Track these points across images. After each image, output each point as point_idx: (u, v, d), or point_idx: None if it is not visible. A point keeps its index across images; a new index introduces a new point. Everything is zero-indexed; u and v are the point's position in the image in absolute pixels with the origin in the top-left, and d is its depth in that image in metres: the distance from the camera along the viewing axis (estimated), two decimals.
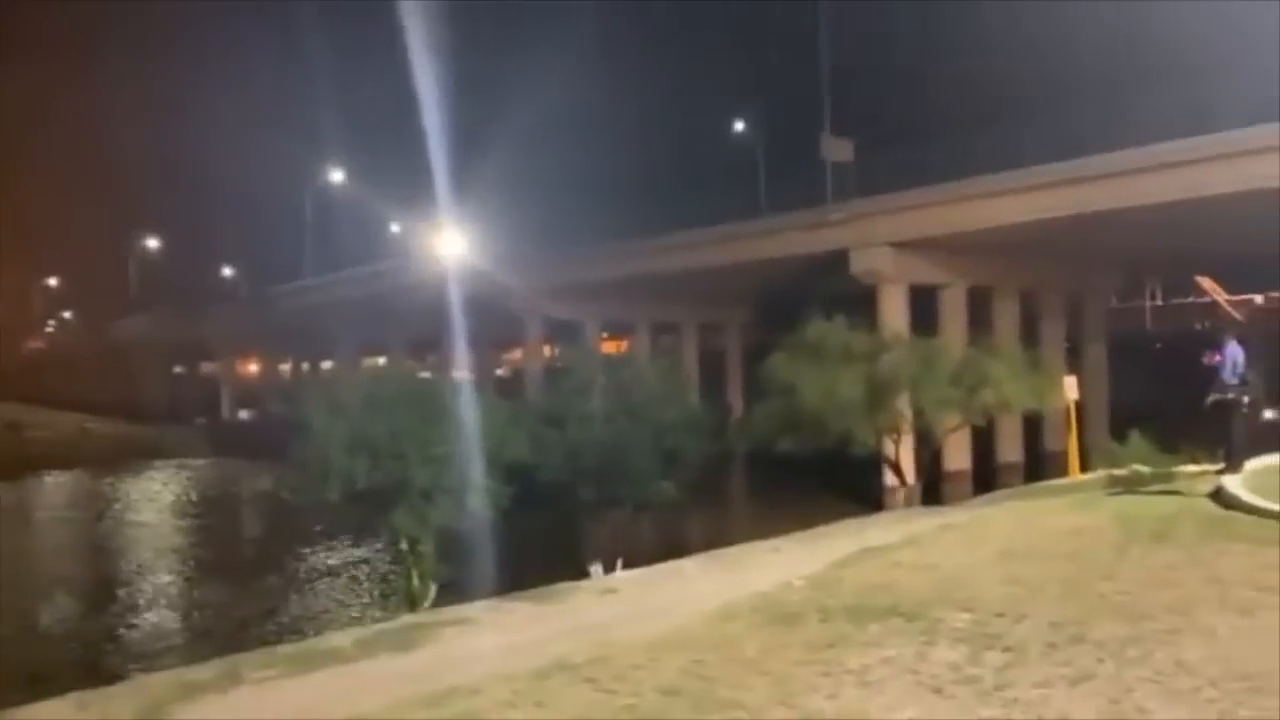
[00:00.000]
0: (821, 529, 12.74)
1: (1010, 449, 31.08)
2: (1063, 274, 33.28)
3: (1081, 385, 20.98)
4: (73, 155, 73.08)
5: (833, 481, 21.74)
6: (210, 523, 28.78)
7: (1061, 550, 8.50)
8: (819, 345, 18.12)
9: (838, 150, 30.26)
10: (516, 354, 54.94)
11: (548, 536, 15.61)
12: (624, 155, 46.10)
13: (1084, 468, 17.39)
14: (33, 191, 63.89)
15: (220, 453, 46.42)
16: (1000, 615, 6.35)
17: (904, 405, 18.49)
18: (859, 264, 29.54)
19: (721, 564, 10.48)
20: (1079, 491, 13.15)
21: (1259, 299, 47.21)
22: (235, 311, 61.45)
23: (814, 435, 17.38)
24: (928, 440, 20.23)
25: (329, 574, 19.55)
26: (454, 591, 12.10)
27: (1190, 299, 50.30)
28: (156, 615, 17.46)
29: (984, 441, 28.73)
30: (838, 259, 29.62)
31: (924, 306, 30.03)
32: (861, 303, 27.24)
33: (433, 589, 12.67)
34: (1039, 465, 28.33)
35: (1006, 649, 5.64)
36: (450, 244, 37.38)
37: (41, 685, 8.60)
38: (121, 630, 16.35)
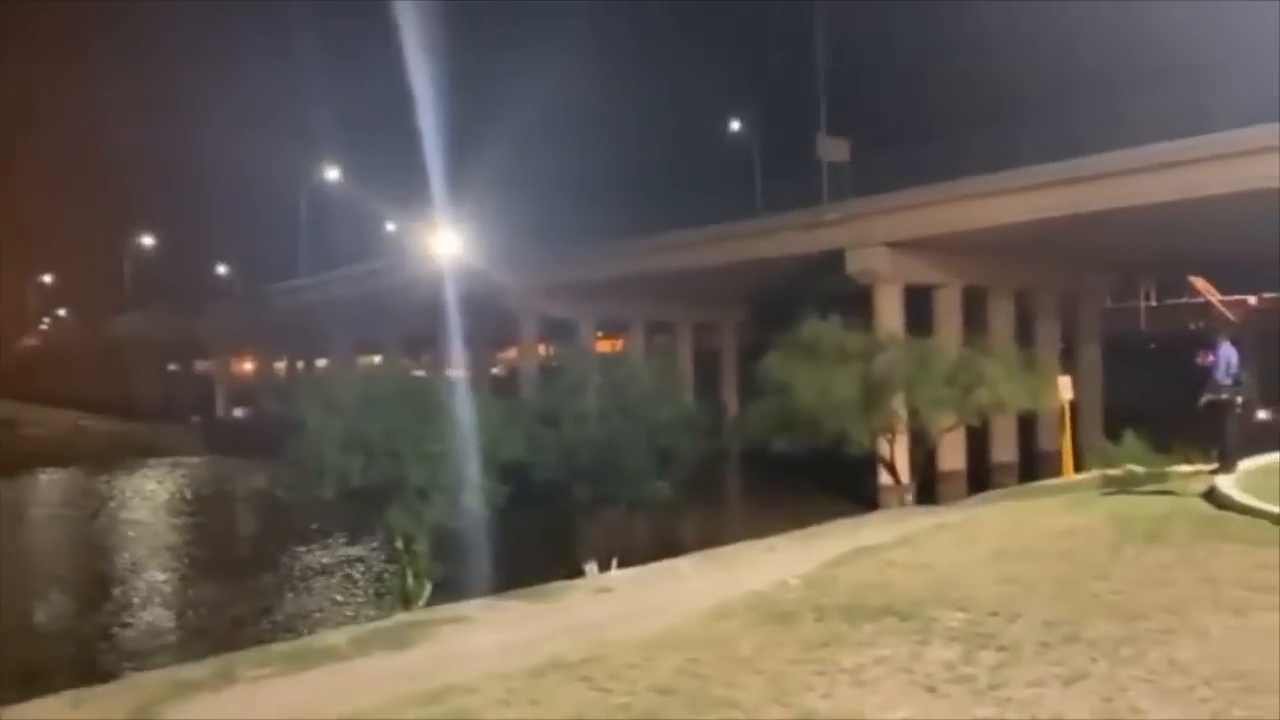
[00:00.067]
0: (816, 528, 12.77)
1: (1005, 449, 31.14)
2: (1058, 274, 33.35)
3: (1076, 385, 21.03)
4: (68, 152, 72.93)
5: (827, 481, 21.75)
6: (205, 521, 28.72)
7: (1055, 550, 8.52)
8: (814, 345, 18.12)
9: (833, 150, 30.31)
10: (512, 353, 54.94)
11: (543, 535, 15.61)
12: (620, 154, 46.14)
13: (1078, 468, 17.44)
14: (27, 188, 63.72)
15: (215, 451, 46.32)
16: (994, 614, 6.37)
17: (899, 405, 18.50)
18: (854, 264, 29.56)
19: (716, 563, 10.50)
20: (1073, 491, 13.19)
21: (1253, 299, 47.36)
22: (230, 309, 61.33)
23: (809, 435, 17.39)
24: (922, 440, 20.26)
25: (324, 572, 19.52)
26: (449, 590, 12.09)
27: (1184, 299, 50.44)
28: (151, 613, 17.43)
29: (978, 441, 28.80)
30: (833, 259, 29.65)
31: (919, 306, 30.08)
32: (857, 302, 27.28)
33: (428, 587, 12.65)
34: (1033, 465, 28.38)
35: (1000, 648, 5.65)
36: (445, 243, 37.34)
37: (36, 683, 8.59)
38: (115, 628, 16.32)
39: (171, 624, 16.69)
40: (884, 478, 20.82)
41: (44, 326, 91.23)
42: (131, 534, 27.10)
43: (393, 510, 12.30)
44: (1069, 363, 31.75)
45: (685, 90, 48.07)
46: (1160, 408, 17.07)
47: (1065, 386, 19.37)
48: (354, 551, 20.30)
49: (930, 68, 37.95)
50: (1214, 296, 48.37)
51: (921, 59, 38.61)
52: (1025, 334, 31.71)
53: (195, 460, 44.43)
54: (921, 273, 29.92)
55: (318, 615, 16.26)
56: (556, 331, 42.44)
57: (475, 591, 10.75)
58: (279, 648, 8.11)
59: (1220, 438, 12.19)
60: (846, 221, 29.41)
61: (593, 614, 8.01)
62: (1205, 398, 12.14)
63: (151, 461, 43.74)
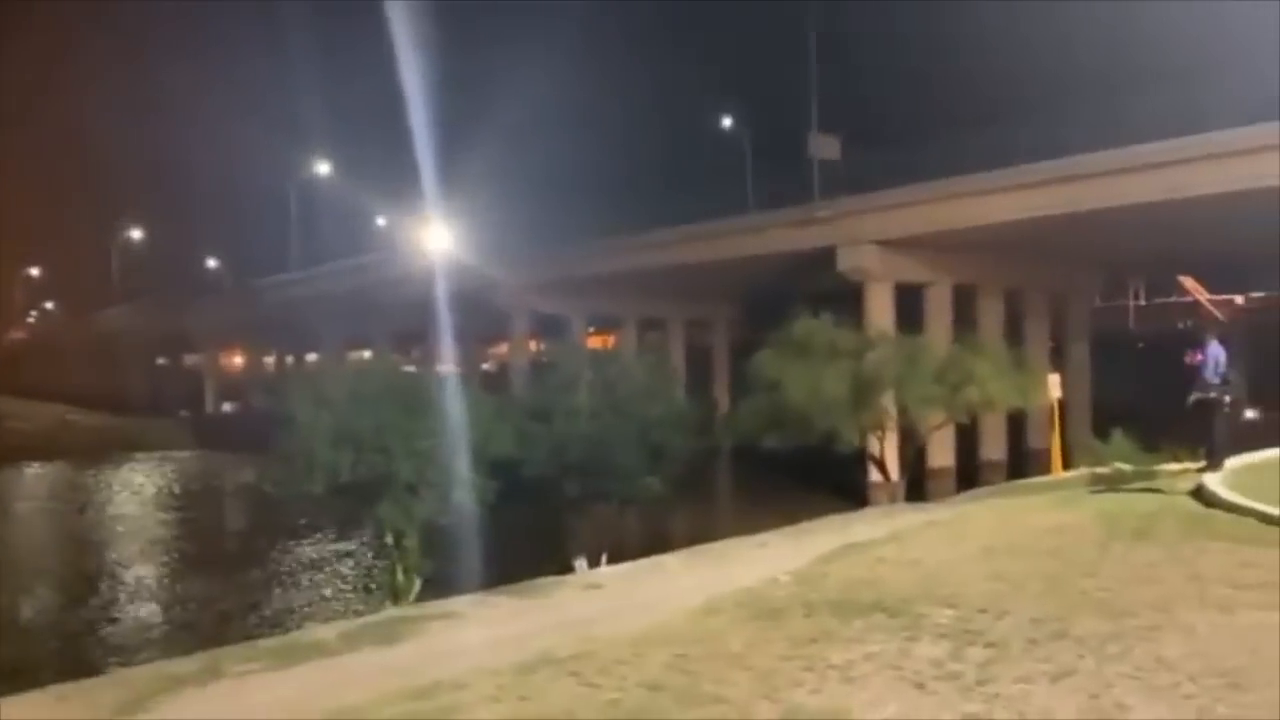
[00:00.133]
0: (806, 525, 12.78)
1: (994, 446, 31.26)
2: (1047, 273, 33.47)
3: (1065, 384, 21.15)
4: (55, 144, 72.54)
5: (817, 478, 21.80)
6: (193, 515, 28.60)
7: (1043, 547, 8.55)
8: (805, 342, 18.17)
9: (824, 147, 30.36)
10: (502, 348, 54.84)
11: (532, 531, 15.59)
12: (611, 150, 46.10)
13: (1067, 465, 17.54)
14: (15, 181, 63.25)
15: (203, 445, 46.15)
16: (983, 611, 6.38)
17: (889, 402, 18.57)
18: (846, 261, 29.61)
19: (706, 559, 10.50)
20: (1061, 489, 13.25)
21: (1239, 299, 47.62)
22: (219, 303, 61.06)
23: (799, 432, 17.45)
24: (912, 437, 20.32)
25: (312, 567, 19.48)
26: (438, 585, 12.07)
27: (1173, 299, 50.67)
28: (137, 608, 17.36)
29: (968, 439, 28.89)
30: (824, 256, 29.69)
31: (910, 304, 30.15)
32: (848, 300, 27.34)
33: (417, 583, 12.64)
34: (1022, 463, 28.52)
35: (989, 645, 5.67)
36: (436, 238, 37.25)
37: (20, 678, 8.53)
38: (102, 623, 16.25)
39: (159, 619, 16.62)
40: (874, 475, 20.90)
41: (31, 320, 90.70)
42: (119, 528, 26.99)
43: (382, 506, 12.28)
44: (1058, 361, 31.87)
45: (677, 87, 48.05)
46: (1149, 406, 17.19)
47: (1054, 385, 19.47)
48: (343, 547, 20.24)
49: (923, 66, 38.02)
50: (1202, 296, 48.61)
51: (914, 58, 38.68)
52: (1015, 332, 31.82)
53: (183, 455, 44.24)
54: (912, 271, 29.99)
55: (306, 610, 16.23)
56: (548, 327, 42.40)
57: (465, 587, 10.72)
58: (267, 643, 8.07)
59: (1208, 436, 12.26)
60: (837, 219, 29.44)
61: (582, 610, 8.00)
62: (1193, 396, 12.20)
63: (139, 456, 43.54)
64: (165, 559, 22.02)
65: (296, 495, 13.04)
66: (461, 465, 12.61)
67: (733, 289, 41.25)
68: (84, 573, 20.21)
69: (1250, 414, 19.64)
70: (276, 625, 14.46)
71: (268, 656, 7.07)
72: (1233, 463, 12.11)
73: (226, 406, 65.38)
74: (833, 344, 18.27)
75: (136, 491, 34.19)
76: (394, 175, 37.08)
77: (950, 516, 11.65)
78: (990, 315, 32.43)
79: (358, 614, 12.48)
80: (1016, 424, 30.25)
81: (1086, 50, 31.04)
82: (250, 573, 19.20)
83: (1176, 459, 13.08)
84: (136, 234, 68.42)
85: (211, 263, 68.15)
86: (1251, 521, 8.87)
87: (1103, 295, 44.80)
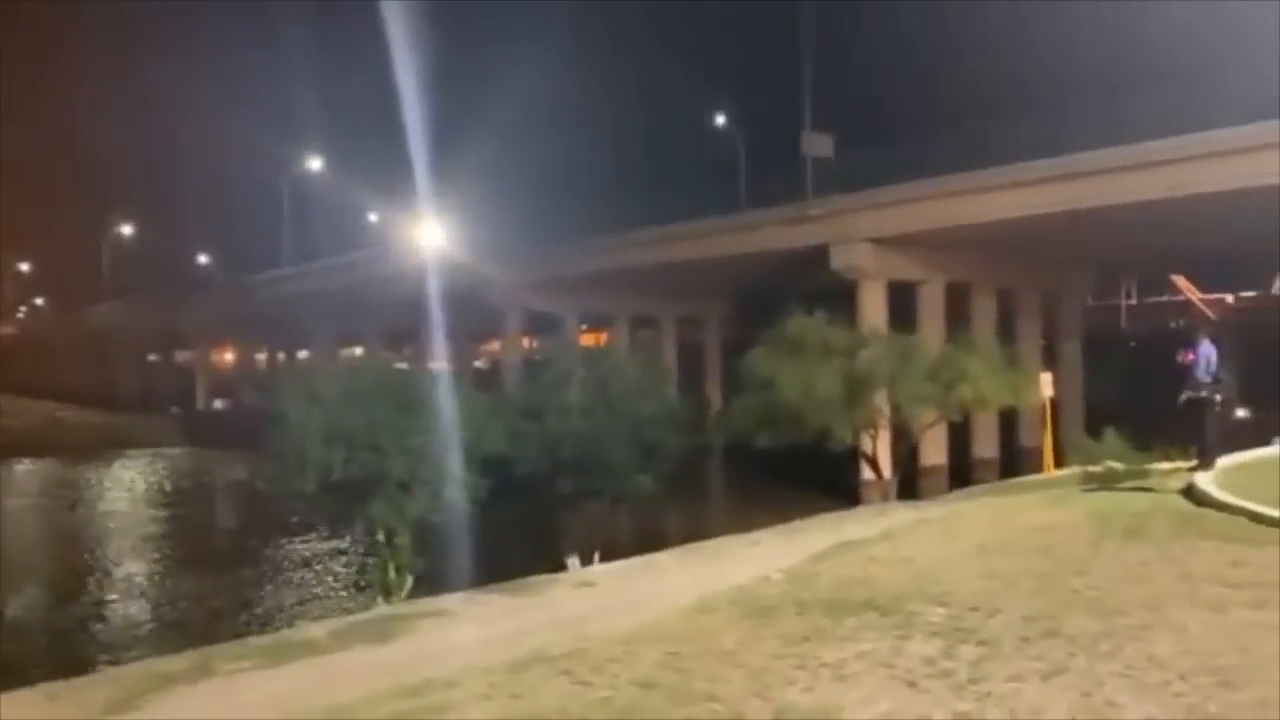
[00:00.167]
0: (798, 523, 12.79)
1: (986, 445, 31.33)
2: (1040, 272, 33.55)
3: (1057, 382, 21.19)
4: (46, 139, 72.01)
5: (810, 476, 21.80)
6: (184, 513, 28.53)
7: (1035, 545, 8.57)
8: (798, 340, 18.16)
9: (818, 145, 30.36)
10: (495, 346, 54.78)
11: (525, 529, 15.58)
12: (605, 148, 46.08)
13: (1059, 464, 17.56)
14: (5, 176, 62.90)
15: (194, 443, 46.04)
16: (974, 609, 6.39)
17: (881, 401, 18.57)
18: (839, 259, 29.64)
19: (699, 557, 10.50)
20: (1054, 487, 13.27)
21: (1230, 298, 47.82)
22: (211, 300, 60.81)
23: (792, 430, 17.43)
24: (905, 435, 20.34)
25: (304, 565, 19.44)
26: (430, 583, 12.06)
27: (1165, 298, 50.87)
28: (128, 606, 17.30)
29: (960, 437, 28.96)
30: (818, 254, 29.71)
31: (903, 303, 30.20)
32: (841, 298, 27.37)
33: (409, 581, 12.62)
34: (1014, 461, 28.56)
35: (980, 643, 5.67)
36: (429, 235, 37.17)
37: (10, 676, 8.49)
38: (93, 621, 16.19)
39: (149, 616, 16.58)
40: (866, 473, 20.90)
41: (20, 315, 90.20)
42: (110, 526, 26.90)
43: (374, 503, 12.26)
44: (1050, 360, 31.98)
45: (670, 85, 47.98)
46: (1140, 405, 17.22)
47: (1046, 383, 19.52)
48: (335, 544, 20.21)
49: (920, 65, 38.07)
50: (1194, 295, 48.80)
51: (910, 56, 38.71)
52: (1007, 331, 31.90)
53: (175, 452, 44.13)
54: (905, 269, 30.03)
55: (298, 608, 16.20)
56: (540, 325, 42.36)
57: (456, 585, 10.71)
58: (258, 640, 8.05)
59: (1199, 435, 12.30)
60: (830, 217, 29.46)
61: (574, 608, 7.99)
62: (1185, 395, 12.25)
63: (130, 453, 43.42)
64: (156, 556, 21.95)
65: (288, 493, 13.01)
66: (453, 463, 12.59)
67: (725, 287, 41.26)
68: (75, 570, 20.14)
69: (1241, 413, 19.76)
70: (268, 623, 14.43)
71: (259, 654, 7.04)
72: (1224, 462, 12.15)
73: (218, 403, 65.21)
74: (826, 342, 18.27)
75: (127, 489, 34.09)
76: (386, 171, 37.01)
77: (943, 515, 11.67)
78: (983, 313, 32.51)
79: (349, 612, 12.44)
80: (1009, 422, 30.30)
81: (1081, 48, 31.14)
82: (241, 570, 19.16)
83: (1168, 458, 13.11)
84: (127, 230, 68.13)
85: (203, 259, 67.92)
86: (1242, 520, 8.90)
87: (1095, 294, 44.94)
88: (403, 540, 12.64)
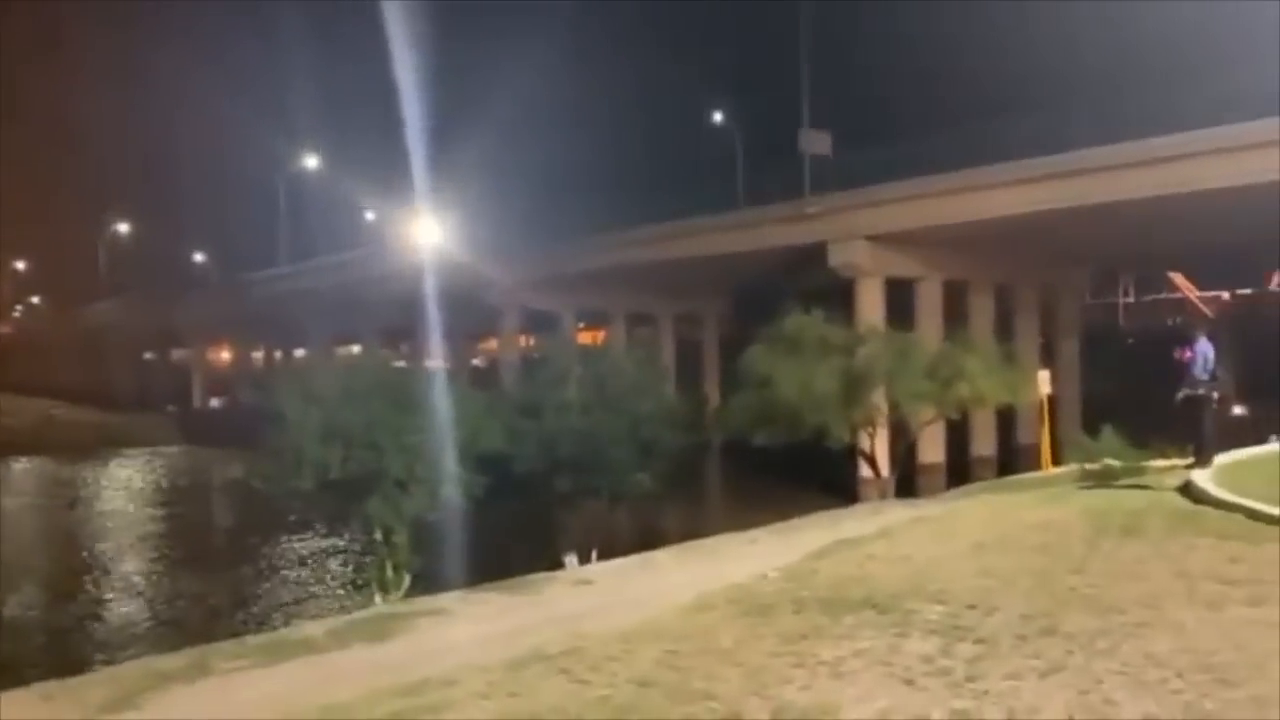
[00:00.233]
0: (796, 521, 12.79)
1: (984, 442, 31.37)
2: (1038, 270, 33.58)
3: (1055, 380, 21.19)
4: (43, 138, 71.82)
5: (808, 474, 21.81)
6: (181, 511, 28.50)
7: (1033, 543, 8.57)
8: (796, 338, 18.16)
9: (816, 143, 30.36)
10: (492, 344, 54.75)
11: (523, 527, 15.57)
12: (603, 146, 46.03)
13: (1056, 461, 17.56)
14: (1, 174, 62.75)
15: (191, 441, 45.98)
16: (972, 607, 6.39)
17: (879, 398, 18.58)
18: (836, 257, 29.65)
19: (697, 555, 10.50)
20: (1051, 485, 13.28)
21: (1227, 295, 47.92)
22: (207, 298, 60.73)
23: (790, 427, 17.43)
24: (902, 433, 20.35)
25: (301, 563, 19.43)
26: (427, 581, 12.05)
27: (1162, 295, 50.96)
28: (125, 605, 17.28)
29: (958, 435, 28.99)
30: (816, 252, 29.71)
31: (901, 300, 30.21)
32: (839, 296, 27.37)
33: (406, 579, 12.61)
34: (1012, 459, 28.60)
35: (978, 641, 5.67)
36: (426, 233, 37.12)
37: (6, 675, 8.47)
38: (89, 620, 16.17)
39: (146, 615, 16.56)
40: (864, 471, 20.91)
41: (16, 314, 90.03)
42: (107, 524, 26.87)
43: (371, 501, 12.25)
44: (1048, 357, 32.02)
45: (668, 83, 47.94)
46: (1138, 402, 17.24)
47: (1044, 381, 19.51)
48: (332, 543, 20.20)
49: (919, 63, 38.05)
50: (1191, 293, 48.89)
51: (908, 55, 38.68)
52: (1005, 328, 31.94)
53: (171, 450, 44.07)
54: (903, 266, 30.04)
55: (295, 607, 16.18)
56: (538, 323, 42.31)
57: (454, 583, 10.70)
58: (255, 639, 8.04)
59: (1196, 432, 12.31)
60: (828, 215, 29.46)
61: (572, 606, 7.99)
62: (1182, 393, 12.25)
63: (127, 451, 43.35)
64: (153, 555, 21.92)
65: (285, 491, 12.99)
66: (451, 461, 12.58)
67: (723, 285, 41.28)
68: (72, 568, 20.11)
69: (1238, 410, 19.76)
70: (265, 622, 14.42)
71: (256, 653, 7.03)
72: (1221, 459, 12.16)
73: (214, 402, 65.13)
74: (823, 339, 18.26)
75: (124, 487, 34.04)
76: (383, 169, 36.98)
77: (940, 513, 11.67)
78: (981, 311, 32.53)
79: (346, 610, 12.43)
80: (1007, 420, 30.35)
81: (1081, 47, 31.11)
82: (239, 569, 19.14)
83: (1165, 455, 13.13)
84: (124, 228, 67.98)
85: (199, 257, 67.78)
86: (1239, 518, 8.90)
87: (1093, 292, 45.08)
88: (400, 538, 12.63)
